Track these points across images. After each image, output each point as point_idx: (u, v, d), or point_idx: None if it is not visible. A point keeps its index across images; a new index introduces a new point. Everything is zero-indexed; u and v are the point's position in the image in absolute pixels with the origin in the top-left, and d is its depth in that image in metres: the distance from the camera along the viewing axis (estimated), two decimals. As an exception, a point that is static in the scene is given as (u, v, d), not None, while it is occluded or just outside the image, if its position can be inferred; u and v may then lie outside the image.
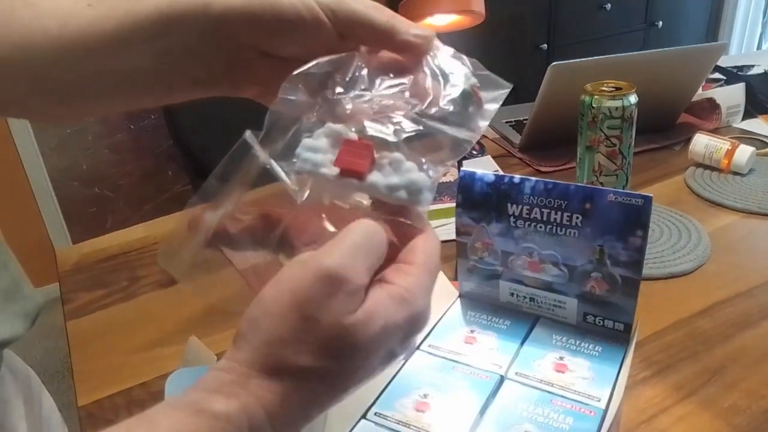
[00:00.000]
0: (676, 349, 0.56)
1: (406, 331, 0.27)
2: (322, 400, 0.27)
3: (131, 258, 0.79)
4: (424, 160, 0.29)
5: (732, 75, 1.13)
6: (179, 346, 0.59)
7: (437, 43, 0.32)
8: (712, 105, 1.01)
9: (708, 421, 0.48)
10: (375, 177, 0.28)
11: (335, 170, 0.28)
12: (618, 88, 0.72)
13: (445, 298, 0.49)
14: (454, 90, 0.30)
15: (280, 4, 0.31)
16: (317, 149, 0.29)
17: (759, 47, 2.60)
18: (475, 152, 0.98)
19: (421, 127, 0.29)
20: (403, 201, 0.29)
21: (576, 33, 2.15)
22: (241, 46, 0.33)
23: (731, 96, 1.02)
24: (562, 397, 0.39)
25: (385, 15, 0.31)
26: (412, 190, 0.29)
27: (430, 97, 0.30)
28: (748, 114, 1.03)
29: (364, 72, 0.31)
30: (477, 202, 0.45)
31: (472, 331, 0.45)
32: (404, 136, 0.29)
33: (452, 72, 0.31)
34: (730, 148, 0.85)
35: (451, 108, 0.30)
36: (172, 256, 0.31)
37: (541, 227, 0.43)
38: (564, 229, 0.42)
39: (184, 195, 2.25)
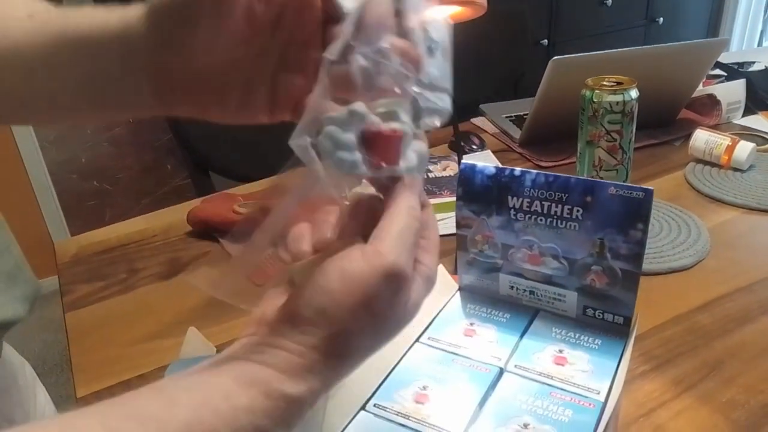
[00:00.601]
0: (675, 344, 0.56)
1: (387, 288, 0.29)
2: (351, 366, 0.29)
3: (130, 250, 0.78)
4: (419, 128, 0.30)
5: (733, 71, 1.13)
6: (178, 338, 0.59)
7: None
8: (712, 101, 1.01)
9: (706, 416, 0.48)
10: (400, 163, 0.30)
11: (369, 168, 0.29)
12: (619, 83, 0.71)
13: (444, 291, 0.49)
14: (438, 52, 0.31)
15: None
16: (349, 147, 0.28)
17: (760, 44, 2.60)
18: (475, 147, 0.97)
19: (422, 105, 0.30)
20: (413, 175, 0.30)
21: (577, 29, 2.15)
22: (161, 67, 0.32)
23: (732, 92, 1.02)
24: (562, 389, 0.39)
25: None
26: (423, 164, 0.30)
27: (421, 65, 0.30)
28: (748, 110, 1.03)
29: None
30: (477, 194, 0.45)
31: (471, 324, 0.45)
32: (410, 112, 0.30)
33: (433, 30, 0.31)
34: (730, 144, 0.85)
35: (437, 73, 0.30)
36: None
37: (541, 220, 0.43)
38: (564, 222, 0.42)
39: (183, 188, 2.25)
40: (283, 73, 0.33)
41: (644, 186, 0.40)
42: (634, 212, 0.40)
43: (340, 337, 0.27)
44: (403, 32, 0.29)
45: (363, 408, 0.39)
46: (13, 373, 0.56)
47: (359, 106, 0.28)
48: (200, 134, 1.33)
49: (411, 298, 0.29)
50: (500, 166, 0.45)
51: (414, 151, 0.30)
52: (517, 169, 0.44)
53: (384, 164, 0.28)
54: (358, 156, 0.28)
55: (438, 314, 0.47)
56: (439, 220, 0.76)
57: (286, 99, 0.33)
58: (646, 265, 0.65)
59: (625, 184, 0.41)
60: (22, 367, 0.60)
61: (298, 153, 0.28)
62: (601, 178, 0.74)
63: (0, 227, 0.48)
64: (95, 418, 0.24)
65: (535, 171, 0.43)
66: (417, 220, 0.29)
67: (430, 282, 0.30)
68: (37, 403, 0.60)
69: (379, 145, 0.28)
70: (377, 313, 0.27)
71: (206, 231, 0.78)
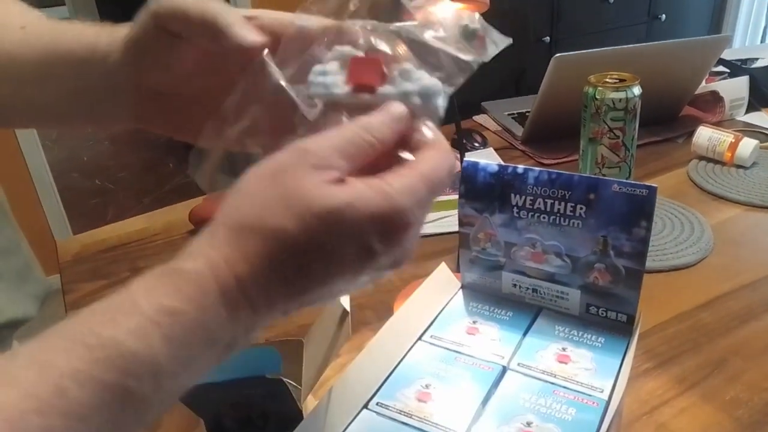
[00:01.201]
0: (678, 342, 0.55)
1: (384, 227, 0.25)
2: (292, 281, 0.25)
3: (132, 249, 0.78)
4: (434, 72, 0.29)
5: (736, 68, 1.13)
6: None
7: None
8: (715, 98, 1.00)
9: (710, 414, 0.48)
10: (386, 89, 0.29)
11: (347, 88, 0.28)
12: (622, 80, 0.71)
13: (447, 289, 0.49)
14: (459, 26, 0.31)
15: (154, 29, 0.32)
16: (327, 72, 0.29)
17: (763, 40, 2.59)
18: (477, 144, 0.97)
19: (427, 42, 0.30)
20: (417, 107, 0.29)
21: (579, 26, 2.14)
22: (137, 91, 0.34)
23: (735, 89, 1.01)
24: (565, 388, 0.39)
25: (198, 5, 0.31)
26: (426, 94, 0.29)
27: (435, 23, 0.30)
28: (751, 107, 1.03)
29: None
30: (480, 192, 0.44)
31: (474, 322, 0.45)
32: (410, 51, 0.29)
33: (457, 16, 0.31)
34: (733, 140, 0.85)
35: (456, 33, 0.30)
36: (197, 167, 0.33)
37: (544, 218, 0.43)
38: (568, 219, 0.42)
39: (185, 187, 2.25)
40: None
41: (647, 183, 0.40)
42: (638, 210, 0.40)
43: (249, 209, 0.25)
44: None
45: (365, 406, 0.39)
46: None
47: (347, 48, 0.29)
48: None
49: (337, 189, 0.25)
50: (503, 163, 0.45)
51: (412, 83, 0.28)
52: (520, 167, 0.43)
53: (361, 83, 0.28)
54: (333, 78, 0.29)
55: (440, 312, 0.47)
56: (442, 218, 0.77)
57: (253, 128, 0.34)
58: (649, 263, 0.65)
59: (628, 181, 0.41)
60: None
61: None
62: (604, 175, 0.74)
63: (9, 226, 0.48)
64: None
65: (538, 168, 0.43)
66: (365, 136, 0.27)
67: (385, 196, 0.26)
68: None
69: (356, 67, 0.28)
70: (279, 183, 0.25)
71: (208, 229, 0.78)
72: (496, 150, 0.96)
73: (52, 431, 0.20)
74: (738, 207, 0.77)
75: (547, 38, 2.09)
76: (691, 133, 0.90)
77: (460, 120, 0.89)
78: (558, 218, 0.42)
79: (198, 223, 0.79)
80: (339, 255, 0.25)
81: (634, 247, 0.40)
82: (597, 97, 0.70)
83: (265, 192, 0.25)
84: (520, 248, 0.44)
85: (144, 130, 0.38)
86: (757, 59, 1.19)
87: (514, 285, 0.46)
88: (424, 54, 0.29)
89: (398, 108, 0.28)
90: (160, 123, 0.36)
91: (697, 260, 0.67)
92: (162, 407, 0.24)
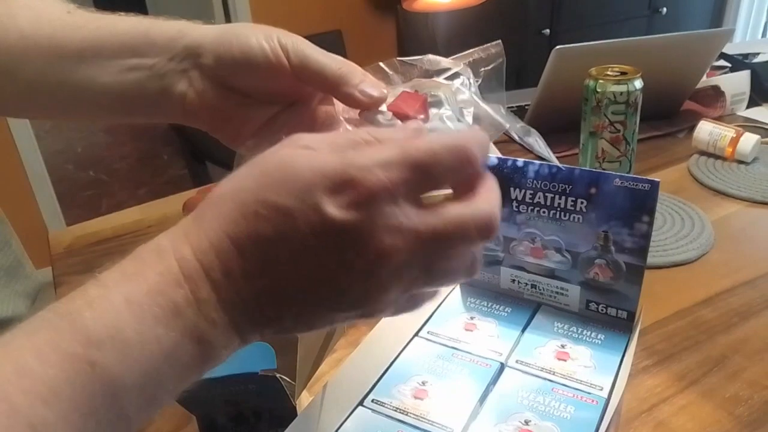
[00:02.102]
0: (678, 339, 0.55)
1: (334, 182, 0.22)
2: (249, 255, 0.22)
3: (125, 241, 0.77)
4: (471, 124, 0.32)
5: (737, 62, 1.12)
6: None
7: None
8: (716, 92, 1.00)
9: (710, 411, 0.47)
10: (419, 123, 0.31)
11: (389, 114, 0.31)
12: (623, 73, 0.70)
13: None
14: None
15: (248, 41, 0.33)
16: (381, 110, 0.32)
17: (764, 35, 2.58)
18: (475, 138, 0.96)
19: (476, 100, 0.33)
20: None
21: (579, 19, 2.13)
22: (204, 76, 0.35)
23: (736, 83, 1.00)
24: (564, 385, 0.38)
25: (335, 64, 0.33)
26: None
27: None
28: (752, 102, 1.02)
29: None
30: (479, 185, 0.44)
31: (472, 318, 0.44)
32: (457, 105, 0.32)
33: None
34: (734, 136, 0.84)
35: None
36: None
37: (544, 212, 0.42)
38: (568, 214, 0.41)
39: (180, 179, 2.23)
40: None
41: (649, 178, 0.39)
42: (640, 204, 0.39)
43: (234, 195, 0.23)
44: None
45: (361, 403, 0.38)
46: None
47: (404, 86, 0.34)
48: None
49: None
50: (502, 156, 0.44)
51: (451, 122, 0.31)
52: (520, 160, 0.42)
53: (400, 112, 0.30)
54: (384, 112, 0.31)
55: (438, 308, 0.46)
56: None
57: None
58: (649, 259, 0.64)
59: (630, 175, 0.40)
60: None
61: None
62: (604, 169, 0.73)
63: (2, 224, 0.47)
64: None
65: (538, 162, 0.42)
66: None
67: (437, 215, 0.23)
68: None
69: (402, 99, 0.31)
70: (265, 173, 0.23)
71: (202, 222, 0.77)
72: (495, 143, 0.95)
73: (15, 412, 0.18)
74: (739, 203, 0.76)
75: (547, 31, 2.08)
76: (692, 128, 0.89)
77: (458, 113, 0.88)
78: (558, 213, 0.41)
79: (192, 215, 0.78)
80: (291, 220, 0.22)
81: (635, 242, 0.40)
82: (598, 90, 0.69)
83: (247, 169, 0.24)
84: (519, 243, 0.44)
85: (179, 125, 0.38)
86: (758, 54, 1.19)
87: (513, 280, 0.45)
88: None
89: (413, 123, 0.29)
90: (206, 121, 0.37)
91: (697, 256, 0.66)
92: (138, 393, 0.22)
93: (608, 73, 0.71)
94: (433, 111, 0.32)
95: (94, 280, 0.23)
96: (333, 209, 0.22)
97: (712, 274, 0.63)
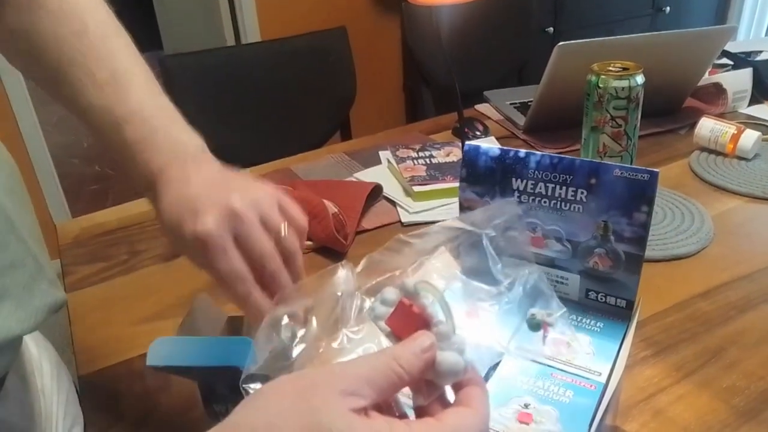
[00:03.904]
0: (676, 330, 0.55)
1: None
2: None
3: (132, 232, 0.78)
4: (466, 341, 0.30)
5: (739, 60, 1.12)
6: (179, 318, 0.59)
7: None
8: (718, 90, 1.00)
9: (706, 401, 0.48)
10: None
11: (387, 329, 0.31)
12: (625, 69, 0.71)
13: (446, 273, 0.49)
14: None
15: (182, 231, 0.38)
16: (386, 301, 0.31)
17: (767, 33, 2.57)
18: (478, 133, 0.97)
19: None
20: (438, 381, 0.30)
21: (582, 18, 2.13)
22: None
23: (738, 81, 1.01)
24: (563, 371, 0.39)
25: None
26: (448, 371, 0.29)
27: None
28: (754, 99, 1.02)
29: None
30: (481, 176, 0.44)
31: (473, 307, 0.45)
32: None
33: None
34: (735, 132, 0.85)
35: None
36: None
37: (545, 202, 0.43)
38: (568, 204, 0.42)
39: (185, 175, 2.24)
40: None
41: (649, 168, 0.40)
42: (639, 194, 0.40)
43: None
44: None
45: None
46: (29, 361, 0.56)
47: (411, 282, 0.31)
48: (200, 118, 1.32)
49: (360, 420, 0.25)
50: (504, 147, 0.45)
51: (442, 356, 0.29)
52: (522, 151, 0.43)
53: (394, 333, 0.30)
54: (385, 311, 0.31)
55: (440, 296, 0.47)
56: (442, 206, 0.76)
57: None
58: (649, 252, 0.65)
59: (630, 166, 0.41)
60: (46, 351, 0.60)
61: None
62: (605, 164, 0.73)
63: (16, 239, 0.43)
64: None
65: (539, 152, 0.43)
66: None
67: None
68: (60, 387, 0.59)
69: (399, 313, 0.30)
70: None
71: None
72: (497, 139, 0.96)
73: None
74: (739, 198, 0.77)
75: (550, 29, 2.08)
76: (694, 125, 0.90)
77: (462, 108, 0.88)
78: (559, 203, 0.42)
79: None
80: None
81: (634, 231, 0.40)
82: (600, 85, 0.70)
83: (284, 402, 0.25)
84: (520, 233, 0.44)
85: None
86: (760, 52, 1.19)
87: (514, 270, 0.46)
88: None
89: (427, 340, 0.28)
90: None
91: (696, 250, 0.67)
92: None
93: (610, 68, 0.71)
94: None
95: None
96: None
97: (711, 267, 0.64)
